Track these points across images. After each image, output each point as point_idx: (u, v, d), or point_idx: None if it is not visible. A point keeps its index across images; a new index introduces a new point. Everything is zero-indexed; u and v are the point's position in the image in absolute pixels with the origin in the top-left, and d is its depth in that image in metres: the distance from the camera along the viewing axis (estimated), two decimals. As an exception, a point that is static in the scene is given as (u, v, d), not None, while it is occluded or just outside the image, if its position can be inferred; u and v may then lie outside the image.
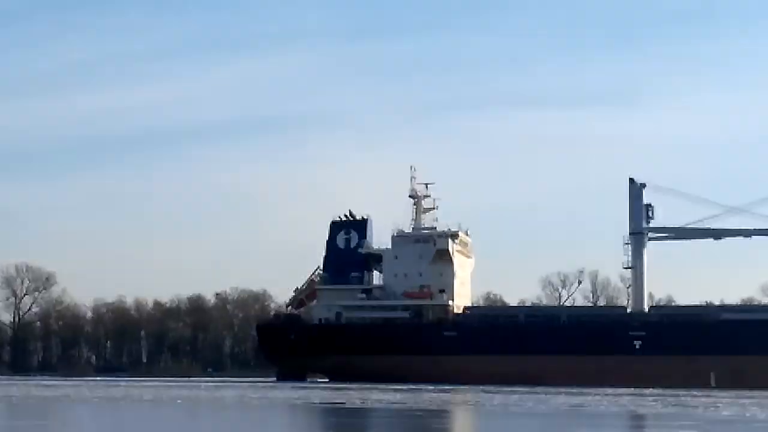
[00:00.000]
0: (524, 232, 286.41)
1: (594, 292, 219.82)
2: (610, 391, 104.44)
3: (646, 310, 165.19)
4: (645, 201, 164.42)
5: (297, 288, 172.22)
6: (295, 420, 49.34)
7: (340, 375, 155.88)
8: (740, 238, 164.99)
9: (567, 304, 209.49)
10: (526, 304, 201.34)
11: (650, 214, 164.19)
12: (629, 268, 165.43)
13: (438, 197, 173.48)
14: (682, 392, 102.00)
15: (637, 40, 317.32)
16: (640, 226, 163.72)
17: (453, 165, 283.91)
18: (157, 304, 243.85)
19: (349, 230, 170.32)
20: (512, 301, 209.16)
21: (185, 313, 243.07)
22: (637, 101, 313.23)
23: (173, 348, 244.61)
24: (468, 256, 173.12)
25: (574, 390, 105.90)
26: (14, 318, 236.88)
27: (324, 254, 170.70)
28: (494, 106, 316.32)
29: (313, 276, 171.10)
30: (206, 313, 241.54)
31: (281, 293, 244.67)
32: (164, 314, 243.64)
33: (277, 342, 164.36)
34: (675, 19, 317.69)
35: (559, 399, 75.74)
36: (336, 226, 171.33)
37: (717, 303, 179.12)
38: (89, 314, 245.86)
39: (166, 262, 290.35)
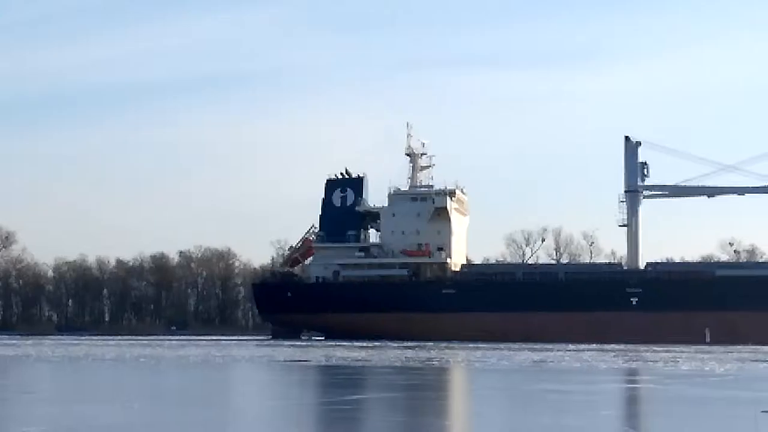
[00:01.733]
0: (492, 190, 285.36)
1: (557, 249, 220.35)
2: (572, 347, 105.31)
3: (642, 267, 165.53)
4: (640, 159, 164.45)
5: (291, 246, 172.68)
6: (242, 376, 49.96)
7: (337, 333, 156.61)
8: (734, 196, 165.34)
9: (530, 261, 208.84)
10: (491, 262, 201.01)
11: (645, 172, 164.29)
12: (624, 226, 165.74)
13: (434, 155, 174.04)
14: (642, 348, 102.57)
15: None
16: (636, 184, 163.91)
17: (440, 122, 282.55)
18: (120, 263, 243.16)
19: (345, 188, 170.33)
20: (476, 258, 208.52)
21: (148, 272, 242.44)
22: (629, 57, 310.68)
23: (136, 306, 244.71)
24: (464, 214, 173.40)
25: (537, 346, 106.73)
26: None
27: (320, 212, 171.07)
28: (479, 63, 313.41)
29: (307, 234, 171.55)
30: (170, 271, 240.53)
31: (245, 251, 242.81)
32: (127, 273, 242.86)
33: (273, 300, 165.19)
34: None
35: (522, 355, 76.31)
36: (332, 184, 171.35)
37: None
38: (50, 273, 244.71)
39: (129, 221, 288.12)
